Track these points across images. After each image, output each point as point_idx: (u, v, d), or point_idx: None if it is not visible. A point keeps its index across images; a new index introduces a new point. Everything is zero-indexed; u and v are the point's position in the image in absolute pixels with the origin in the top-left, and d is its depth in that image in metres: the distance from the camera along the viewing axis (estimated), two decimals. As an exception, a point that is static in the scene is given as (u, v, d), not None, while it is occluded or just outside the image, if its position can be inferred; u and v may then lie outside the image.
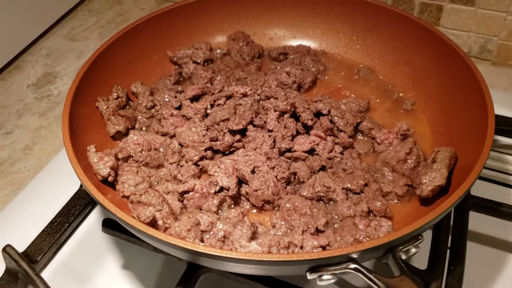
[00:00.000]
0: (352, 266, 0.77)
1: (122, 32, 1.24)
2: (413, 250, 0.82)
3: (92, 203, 1.16)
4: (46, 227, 1.09)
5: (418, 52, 1.26)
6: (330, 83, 1.31)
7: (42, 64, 1.70)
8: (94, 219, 1.16)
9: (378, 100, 1.25)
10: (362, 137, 1.15)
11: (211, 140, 1.10)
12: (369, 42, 1.36)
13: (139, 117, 1.19)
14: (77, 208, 1.13)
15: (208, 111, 1.18)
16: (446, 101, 1.17)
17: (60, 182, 1.23)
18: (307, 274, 0.79)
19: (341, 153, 1.08)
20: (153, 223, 0.90)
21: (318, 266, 0.77)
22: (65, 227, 1.10)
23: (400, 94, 1.25)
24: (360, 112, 1.18)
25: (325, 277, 0.78)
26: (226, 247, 0.90)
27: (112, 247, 1.10)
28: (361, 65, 1.34)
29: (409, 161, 1.04)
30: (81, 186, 1.18)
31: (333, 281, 0.78)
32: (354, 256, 0.77)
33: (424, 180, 0.94)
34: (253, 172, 1.03)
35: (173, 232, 0.90)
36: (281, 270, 0.84)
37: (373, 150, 1.11)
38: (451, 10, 1.51)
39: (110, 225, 1.04)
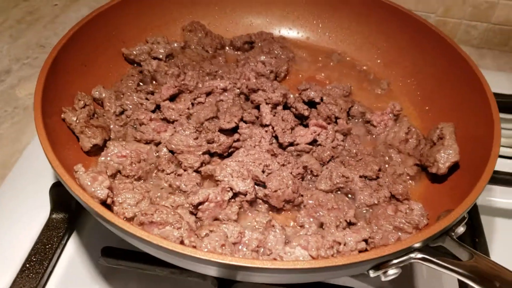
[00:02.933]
0: (419, 256, 0.74)
1: (74, 31, 1.07)
2: (462, 229, 0.81)
3: (68, 231, 0.99)
4: (22, 267, 0.91)
5: (385, 32, 1.27)
6: (301, 70, 1.27)
7: None
8: (72, 249, 0.99)
9: (354, 83, 1.23)
10: (354, 122, 1.12)
11: (208, 142, 0.99)
12: (330, 25, 1.34)
13: (111, 126, 1.03)
14: (54, 240, 0.96)
15: (190, 111, 1.07)
16: (422, 79, 1.19)
17: (21, 209, 1.04)
18: (370, 272, 0.75)
19: (343, 140, 1.04)
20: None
21: (383, 262, 0.73)
22: (45, 265, 0.93)
23: (375, 76, 1.25)
24: (344, 96, 1.15)
25: (390, 272, 0.74)
26: (265, 257, 0.82)
27: (103, 277, 0.95)
28: (328, 49, 1.31)
29: (410, 140, 1.04)
30: (51, 212, 1.00)
31: (398, 274, 0.75)
32: (417, 245, 0.74)
33: (439, 158, 0.94)
34: (263, 171, 0.95)
35: (206, 250, 0.79)
36: (339, 273, 0.78)
37: (369, 133, 1.09)
38: (392, -10, 1.55)
39: (111, 254, 0.90)
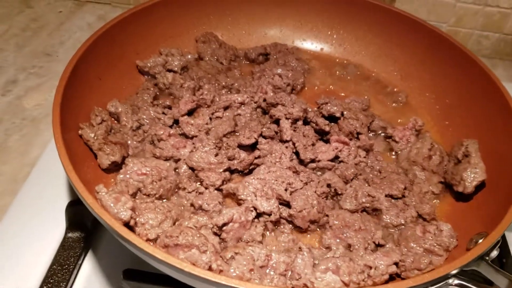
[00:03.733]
0: (456, 282, 0.72)
1: (89, 43, 1.03)
2: (495, 252, 0.79)
3: (84, 250, 0.96)
4: (40, 290, 0.88)
5: (400, 43, 1.25)
6: (317, 83, 1.25)
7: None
8: (88, 269, 0.96)
9: (371, 96, 1.21)
10: (374, 137, 1.10)
11: (228, 159, 0.97)
12: (345, 36, 1.32)
13: (129, 142, 1.01)
14: (71, 261, 0.93)
15: (208, 125, 1.04)
16: (441, 92, 1.17)
17: (35, 227, 1.00)
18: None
19: (365, 157, 1.02)
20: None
21: (418, 289, 0.71)
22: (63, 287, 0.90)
23: (392, 88, 1.23)
24: (363, 110, 1.13)
25: (425, 298, 0.73)
26: (294, 282, 0.79)
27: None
28: (343, 61, 1.29)
29: (434, 157, 1.02)
30: (67, 231, 0.97)
31: (433, 300, 0.73)
32: (454, 272, 0.72)
33: (466, 176, 0.93)
34: (286, 190, 0.92)
35: (234, 275, 0.77)
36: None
37: (390, 149, 1.07)
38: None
39: (133, 277, 0.87)
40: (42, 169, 1.11)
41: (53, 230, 0.99)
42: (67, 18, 1.65)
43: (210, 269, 0.77)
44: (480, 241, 0.78)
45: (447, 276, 0.71)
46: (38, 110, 1.31)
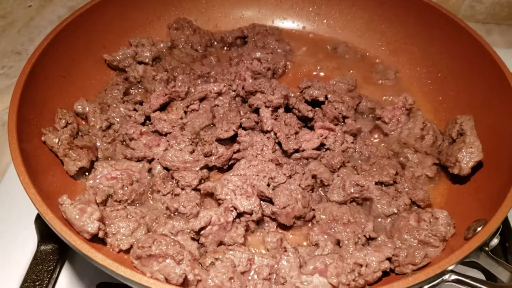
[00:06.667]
0: (453, 277, 0.66)
1: (49, 39, 0.96)
2: (496, 241, 0.73)
3: (59, 263, 0.90)
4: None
5: (387, 16, 1.17)
6: (300, 64, 1.17)
7: None
8: (65, 284, 0.90)
9: (358, 75, 1.13)
10: (362, 119, 1.03)
11: (205, 156, 0.90)
12: (328, 11, 1.24)
13: (98, 144, 0.94)
14: (44, 275, 0.87)
15: (183, 120, 0.97)
16: (433, 66, 1.10)
17: (5, 241, 0.95)
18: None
19: (353, 142, 0.95)
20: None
21: (413, 288, 0.65)
22: (37, 305, 0.84)
23: (380, 65, 1.15)
24: (350, 91, 1.06)
25: (421, 297, 0.66)
26: (280, 287, 0.73)
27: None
28: (328, 39, 1.21)
29: (426, 137, 0.95)
30: (39, 244, 0.91)
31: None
32: (452, 267, 0.66)
33: (461, 157, 0.86)
34: (268, 185, 0.86)
35: (212, 285, 0.71)
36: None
37: (381, 131, 1.00)
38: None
39: (108, 291, 0.81)
40: (12, 179, 1.05)
41: (24, 244, 0.93)
42: (36, 13, 1.56)
43: (186, 280, 0.70)
44: (479, 229, 0.72)
45: (443, 273, 0.65)
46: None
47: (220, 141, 0.94)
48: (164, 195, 0.86)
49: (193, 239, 0.80)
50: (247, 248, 0.79)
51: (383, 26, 1.18)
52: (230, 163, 0.92)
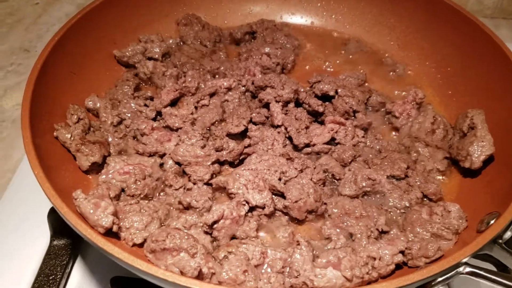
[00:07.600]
0: (468, 270, 0.66)
1: (59, 36, 0.96)
2: (509, 233, 0.73)
3: (71, 258, 0.91)
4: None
5: (396, 11, 1.17)
6: (308, 59, 1.17)
7: None
8: (78, 278, 0.91)
9: (367, 70, 1.13)
10: (373, 113, 1.03)
11: (216, 150, 0.90)
12: (337, 6, 1.24)
13: (110, 139, 0.94)
14: (58, 270, 0.88)
15: (194, 115, 0.98)
16: (442, 60, 1.10)
17: (18, 236, 0.95)
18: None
19: (363, 136, 0.96)
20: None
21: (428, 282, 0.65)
22: (51, 299, 0.85)
23: (390, 59, 1.15)
24: (359, 86, 1.06)
25: (435, 289, 0.67)
26: (293, 280, 0.73)
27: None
28: (336, 34, 1.21)
29: (437, 131, 0.95)
30: (52, 239, 0.92)
31: (443, 291, 0.67)
32: (465, 260, 0.66)
33: (472, 151, 0.86)
34: (280, 179, 0.86)
35: (227, 278, 0.71)
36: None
37: (391, 126, 1.00)
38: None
39: (122, 284, 0.81)
40: (24, 174, 1.06)
41: (37, 239, 0.94)
42: (44, 10, 1.57)
43: (200, 273, 0.71)
44: (492, 222, 0.72)
45: (457, 265, 0.65)
46: (18, 110, 1.25)
47: (230, 136, 0.95)
48: (176, 189, 0.87)
49: (206, 232, 0.80)
50: (260, 242, 0.79)
51: (392, 21, 1.18)
52: (241, 157, 0.92)
